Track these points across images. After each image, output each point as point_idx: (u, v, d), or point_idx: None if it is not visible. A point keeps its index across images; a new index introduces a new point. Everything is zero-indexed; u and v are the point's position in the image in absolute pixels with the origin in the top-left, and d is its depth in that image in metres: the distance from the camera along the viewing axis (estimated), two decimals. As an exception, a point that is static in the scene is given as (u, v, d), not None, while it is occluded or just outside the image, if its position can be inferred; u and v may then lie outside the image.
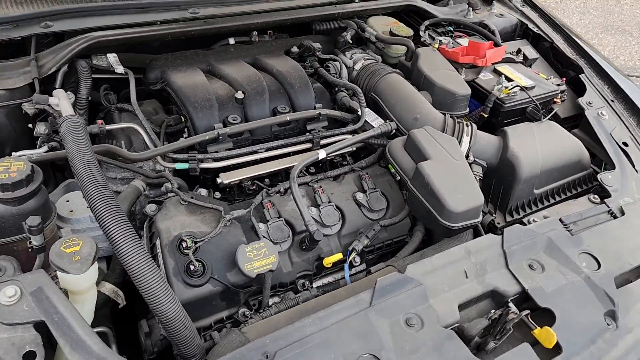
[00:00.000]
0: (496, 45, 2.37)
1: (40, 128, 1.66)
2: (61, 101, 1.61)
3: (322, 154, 1.72)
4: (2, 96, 1.66)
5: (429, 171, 1.65)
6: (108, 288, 1.58)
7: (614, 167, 1.97)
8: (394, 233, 1.83)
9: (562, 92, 2.31)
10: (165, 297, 1.29)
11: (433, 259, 1.50)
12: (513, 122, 2.11)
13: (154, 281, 1.28)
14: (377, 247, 1.82)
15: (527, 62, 2.39)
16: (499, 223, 1.88)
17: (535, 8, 2.70)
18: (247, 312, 1.60)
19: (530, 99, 2.03)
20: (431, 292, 1.42)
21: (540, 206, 1.96)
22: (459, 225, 1.61)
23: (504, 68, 2.19)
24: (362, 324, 1.32)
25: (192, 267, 1.45)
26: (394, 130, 1.90)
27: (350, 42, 2.26)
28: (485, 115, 2.09)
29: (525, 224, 1.74)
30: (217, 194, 1.79)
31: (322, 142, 1.89)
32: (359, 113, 1.95)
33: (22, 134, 1.71)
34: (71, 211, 1.65)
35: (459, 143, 1.85)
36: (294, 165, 1.71)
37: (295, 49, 2.15)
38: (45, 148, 1.68)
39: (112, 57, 1.86)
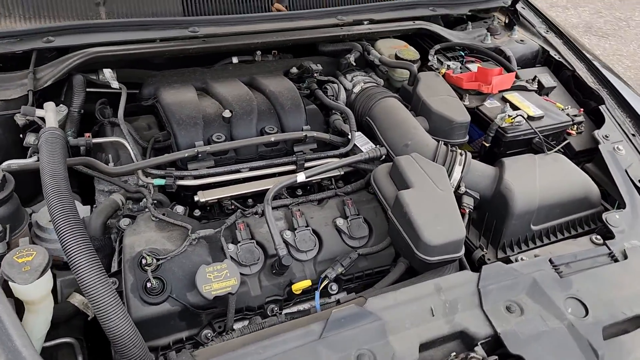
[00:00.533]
0: (509, 71, 2.27)
1: (30, 139, 1.72)
2: (47, 113, 1.66)
3: (300, 177, 1.68)
4: (-2, 106, 1.72)
5: (408, 200, 1.58)
6: (78, 300, 1.59)
7: (625, 206, 1.82)
8: (376, 263, 1.76)
9: (578, 123, 2.18)
10: (113, 312, 1.28)
11: (397, 293, 1.42)
12: (519, 153, 2.00)
13: (103, 295, 1.27)
14: (357, 277, 1.75)
15: (542, 90, 2.26)
16: (489, 259, 1.77)
17: (561, 35, 2.57)
18: (209, 334, 1.57)
19: (532, 130, 1.91)
20: (391, 328, 1.34)
21: (538, 244, 1.83)
22: (435, 259, 1.53)
23: (512, 96, 2.09)
24: (308, 357, 1.26)
25: (149, 285, 1.43)
26: (383, 156, 1.84)
27: (354, 64, 2.22)
28: (487, 145, 1.99)
29: (512, 262, 1.63)
30: (197, 212, 1.79)
31: (308, 164, 1.85)
32: (350, 137, 1.90)
33: (14, 144, 1.77)
34: (50, 220, 1.68)
35: (450, 172, 1.77)
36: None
37: (294, 70, 2.14)
38: (35, 158, 1.73)
39: (108, 72, 1.91)
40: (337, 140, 1.93)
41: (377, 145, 1.88)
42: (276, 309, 1.64)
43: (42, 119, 1.68)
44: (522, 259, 1.63)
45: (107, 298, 1.28)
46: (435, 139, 1.88)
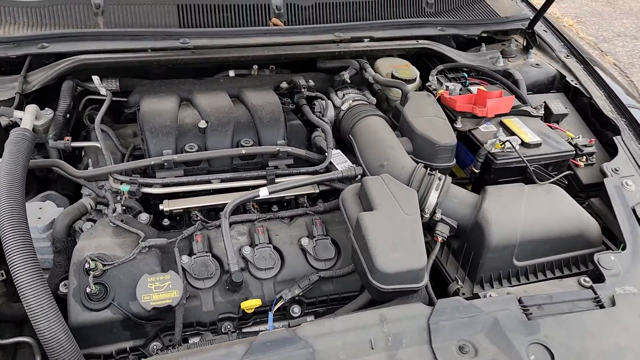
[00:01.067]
0: (519, 97, 2.14)
1: (11, 139, 1.77)
2: (25, 115, 1.70)
3: (263, 192, 1.63)
4: (-14, 107, 1.79)
5: (367, 223, 1.49)
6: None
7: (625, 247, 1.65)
8: (343, 288, 1.68)
9: (589, 154, 2.01)
10: (43, 314, 1.28)
11: (334, 321, 1.33)
12: (513, 183, 1.85)
13: (34, 296, 1.27)
14: (321, 301, 1.67)
15: (551, 117, 2.11)
16: (463, 293, 1.64)
17: (582, 60, 2.40)
18: (156, 347, 1.53)
19: (520, 157, 1.77)
20: (321, 357, 1.25)
21: (523, 281, 1.68)
22: (389, 287, 1.42)
23: (510, 121, 1.95)
24: (223, 380, 1.19)
25: (88, 290, 1.42)
26: (359, 176, 1.76)
27: (349, 82, 2.16)
28: (477, 171, 1.86)
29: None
30: (166, 222, 1.77)
31: (279, 180, 1.80)
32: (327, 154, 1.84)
33: (1, 143, 1.82)
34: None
35: (425, 197, 1.66)
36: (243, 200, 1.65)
37: (284, 84, 2.11)
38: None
39: (96, 79, 1.96)
40: (313, 157, 1.87)
41: (354, 165, 1.80)
42: (229, 326, 1.59)
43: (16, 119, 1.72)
44: (490, 296, 1.49)
45: (39, 299, 1.28)
46: (416, 161, 1.78)
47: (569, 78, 2.31)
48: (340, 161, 1.83)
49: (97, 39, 1.98)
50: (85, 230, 1.63)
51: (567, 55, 2.44)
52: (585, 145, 2.01)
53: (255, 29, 2.12)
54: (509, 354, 1.31)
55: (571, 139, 2.03)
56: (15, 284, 1.29)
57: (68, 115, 1.90)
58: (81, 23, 2.06)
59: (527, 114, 2.02)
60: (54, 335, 1.29)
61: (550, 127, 2.08)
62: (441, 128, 1.83)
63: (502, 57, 2.39)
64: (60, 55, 1.96)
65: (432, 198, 1.66)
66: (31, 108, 1.75)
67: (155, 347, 1.54)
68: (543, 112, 2.07)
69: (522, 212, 1.64)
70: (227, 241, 1.54)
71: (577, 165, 1.99)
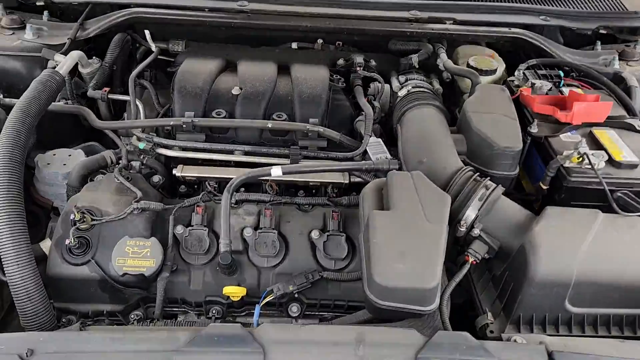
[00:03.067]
0: (627, 107, 1.72)
1: (56, 81, 1.77)
2: (65, 59, 1.68)
3: (276, 171, 1.44)
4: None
5: (377, 223, 1.25)
6: (47, 245, 1.58)
7: None
8: (350, 295, 1.45)
9: None
10: (13, 260, 1.23)
11: (302, 329, 1.11)
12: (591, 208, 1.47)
13: (10, 240, 1.24)
14: (324, 305, 1.46)
15: (667, 137, 1.66)
16: (492, 331, 1.32)
17: None
18: (135, 316, 1.43)
19: (607, 178, 1.39)
20: (273, 367, 1.04)
21: (578, 332, 1.32)
22: (386, 304, 1.18)
23: (603, 132, 1.56)
24: (154, 367, 1.03)
25: (67, 242, 1.34)
26: (394, 170, 1.50)
27: (417, 66, 1.89)
28: (545, 187, 1.50)
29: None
30: (183, 188, 1.66)
31: (305, 162, 1.60)
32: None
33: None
34: (48, 164, 1.70)
35: (464, 207, 1.36)
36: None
37: (341, 61, 1.89)
38: (62, 102, 1.80)
39: (148, 34, 1.91)
40: (348, 142, 1.64)
41: (392, 158, 1.55)
42: (216, 312, 1.44)
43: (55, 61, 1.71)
44: (514, 340, 1.17)
45: (14, 243, 1.24)
46: (468, 164, 1.48)
47: None
48: (377, 151, 1.58)
49: (157, -6, 1.92)
50: (95, 181, 1.57)
51: None
52: None
53: (322, -1, 1.93)
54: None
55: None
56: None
57: (115, 67, 1.87)
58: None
59: (630, 128, 1.60)
60: (19, 283, 1.24)
61: (663, 148, 1.64)
62: (505, 128, 1.50)
63: (620, 60, 1.95)
64: (122, 7, 1.93)
65: (472, 209, 1.36)
66: (74, 54, 1.73)
67: (135, 316, 1.44)
68: (654, 127, 1.63)
69: (587, 245, 1.28)
70: (225, 217, 1.38)
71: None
